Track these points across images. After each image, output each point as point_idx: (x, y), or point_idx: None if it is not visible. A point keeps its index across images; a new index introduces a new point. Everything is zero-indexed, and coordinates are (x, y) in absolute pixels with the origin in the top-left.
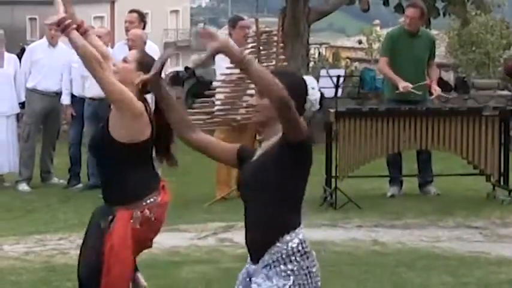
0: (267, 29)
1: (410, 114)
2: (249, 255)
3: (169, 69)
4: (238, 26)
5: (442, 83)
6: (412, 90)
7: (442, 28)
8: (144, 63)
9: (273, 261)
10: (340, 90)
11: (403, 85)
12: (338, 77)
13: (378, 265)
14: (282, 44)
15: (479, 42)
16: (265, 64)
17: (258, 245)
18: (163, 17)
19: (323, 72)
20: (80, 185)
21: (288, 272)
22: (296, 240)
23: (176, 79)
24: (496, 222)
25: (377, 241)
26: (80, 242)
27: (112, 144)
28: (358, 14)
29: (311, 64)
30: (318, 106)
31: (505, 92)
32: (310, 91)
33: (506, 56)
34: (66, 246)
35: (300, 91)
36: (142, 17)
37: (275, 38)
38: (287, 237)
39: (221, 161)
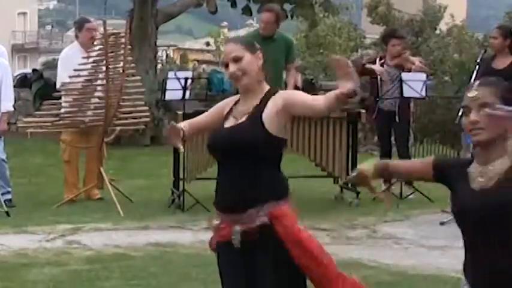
0: (115, 31)
1: None
2: None
3: (17, 71)
4: (84, 28)
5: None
6: None
7: (289, 30)
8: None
9: None
10: (188, 93)
11: None
12: (186, 79)
13: None
14: (129, 46)
15: (327, 44)
16: (112, 66)
17: None
18: (11, 18)
19: (171, 74)
20: None
21: None
22: None
23: (24, 81)
24: (344, 224)
25: None
26: None
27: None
28: (205, 16)
29: (159, 66)
30: None
31: None
32: None
33: (354, 58)
34: None
35: None
36: None
37: (123, 40)
38: None
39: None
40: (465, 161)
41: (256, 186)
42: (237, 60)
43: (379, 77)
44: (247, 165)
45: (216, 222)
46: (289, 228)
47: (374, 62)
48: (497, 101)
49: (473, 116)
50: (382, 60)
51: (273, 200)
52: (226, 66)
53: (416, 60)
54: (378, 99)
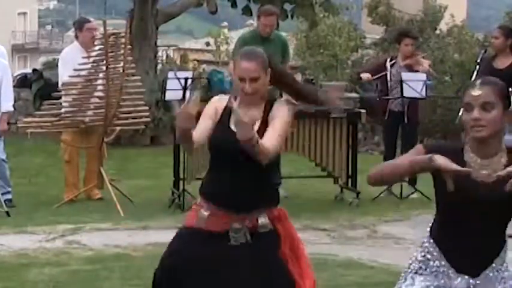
0: (115, 31)
1: None
2: (452, 266)
3: (17, 71)
4: (85, 28)
5: None
6: None
7: (290, 30)
8: None
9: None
10: (188, 93)
11: None
12: (186, 79)
13: None
14: (129, 46)
15: (327, 44)
16: (112, 66)
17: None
18: (11, 18)
19: (171, 74)
20: None
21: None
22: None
23: (24, 81)
24: (343, 224)
25: None
26: None
27: None
28: (206, 16)
29: (159, 66)
30: None
31: (353, 94)
32: None
33: (354, 58)
34: None
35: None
36: None
37: (123, 40)
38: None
39: None
40: (456, 148)
41: (262, 190)
42: (253, 80)
43: (388, 78)
44: (256, 169)
45: (204, 213)
46: (289, 230)
47: (384, 64)
48: (498, 101)
49: (475, 114)
50: (393, 61)
51: (271, 204)
52: (242, 79)
53: (425, 63)
54: (378, 99)
